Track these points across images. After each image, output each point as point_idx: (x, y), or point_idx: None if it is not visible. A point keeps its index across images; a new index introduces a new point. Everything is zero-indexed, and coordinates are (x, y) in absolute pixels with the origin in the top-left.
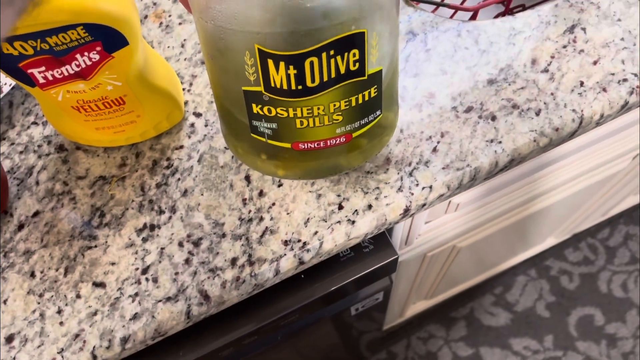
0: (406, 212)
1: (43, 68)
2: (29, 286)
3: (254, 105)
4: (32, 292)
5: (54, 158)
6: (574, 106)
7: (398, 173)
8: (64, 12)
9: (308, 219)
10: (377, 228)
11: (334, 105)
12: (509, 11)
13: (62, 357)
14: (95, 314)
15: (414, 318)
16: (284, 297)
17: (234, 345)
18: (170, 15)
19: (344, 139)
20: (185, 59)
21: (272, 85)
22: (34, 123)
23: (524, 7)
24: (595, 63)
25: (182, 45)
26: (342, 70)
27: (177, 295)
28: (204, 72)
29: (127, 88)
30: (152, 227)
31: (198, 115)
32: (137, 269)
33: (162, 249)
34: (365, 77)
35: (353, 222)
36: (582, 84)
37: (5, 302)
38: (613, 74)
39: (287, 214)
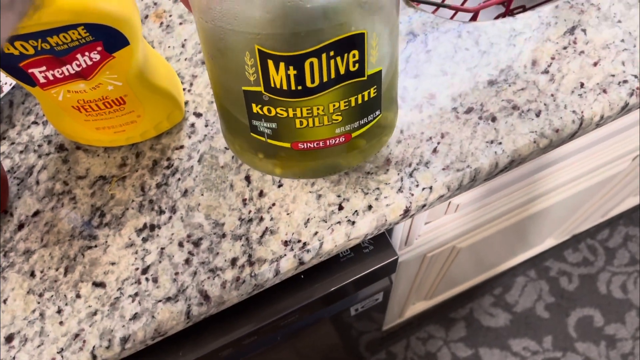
0: (406, 212)
1: (44, 68)
2: (28, 286)
3: (253, 105)
4: (32, 292)
5: (54, 158)
6: (574, 107)
7: (398, 174)
8: (65, 12)
9: (308, 219)
10: (377, 229)
11: (334, 105)
12: (509, 12)
13: (62, 356)
14: (95, 313)
15: (414, 318)
16: (283, 298)
17: (233, 345)
18: (170, 15)
19: (344, 139)
20: (185, 59)
21: (272, 85)
22: (35, 123)
23: (524, 8)
24: (595, 64)
25: (183, 45)
26: (342, 70)
27: (177, 295)
28: (205, 72)
29: (128, 88)
30: (152, 227)
31: (198, 115)
32: (137, 269)
33: (162, 249)
34: (365, 78)
35: (353, 222)
36: (582, 85)
37: (5, 301)
38: (613, 76)
39: (287, 214)
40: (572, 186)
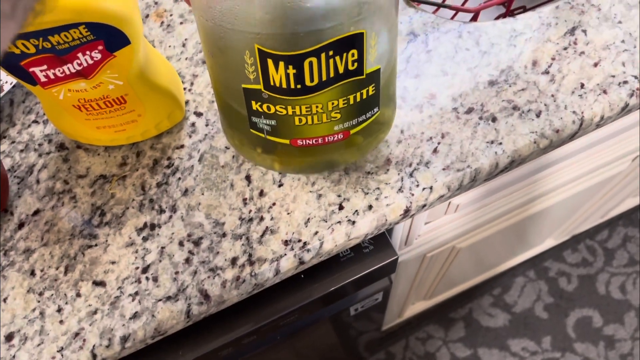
0: (406, 212)
1: (45, 67)
2: (29, 284)
3: (253, 103)
4: (32, 291)
5: (55, 157)
6: (574, 108)
7: (398, 174)
8: (66, 11)
9: (308, 219)
10: (377, 228)
11: (333, 103)
12: (510, 13)
13: (62, 355)
14: (95, 312)
15: (413, 318)
16: (283, 297)
17: (233, 344)
18: (171, 15)
19: (342, 136)
20: (186, 59)
21: (272, 83)
22: (35, 121)
23: (525, 9)
24: (595, 65)
25: (184, 45)
26: (341, 69)
27: (177, 294)
28: (205, 71)
29: (129, 87)
30: (153, 226)
31: (199, 114)
32: (137, 268)
33: (163, 248)
34: (364, 76)
35: (353, 222)
36: (582, 85)
37: (5, 300)
38: (613, 76)
39: (288, 213)
40: (571, 187)
